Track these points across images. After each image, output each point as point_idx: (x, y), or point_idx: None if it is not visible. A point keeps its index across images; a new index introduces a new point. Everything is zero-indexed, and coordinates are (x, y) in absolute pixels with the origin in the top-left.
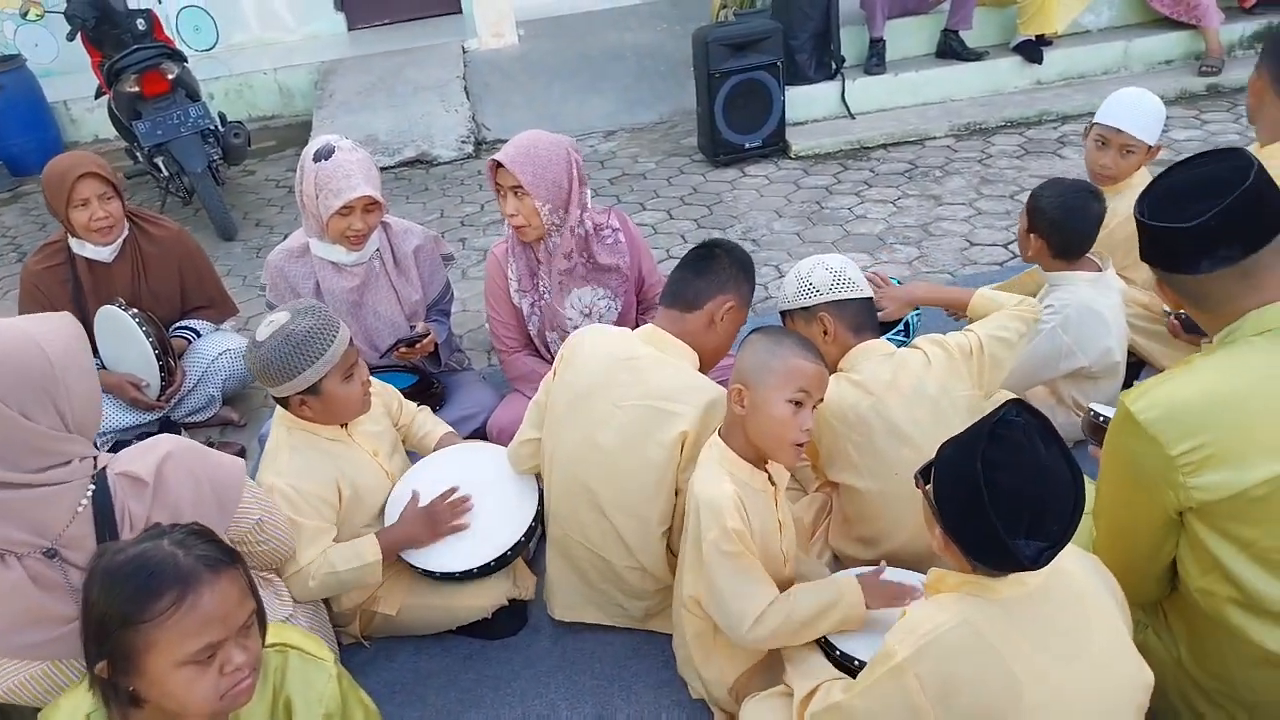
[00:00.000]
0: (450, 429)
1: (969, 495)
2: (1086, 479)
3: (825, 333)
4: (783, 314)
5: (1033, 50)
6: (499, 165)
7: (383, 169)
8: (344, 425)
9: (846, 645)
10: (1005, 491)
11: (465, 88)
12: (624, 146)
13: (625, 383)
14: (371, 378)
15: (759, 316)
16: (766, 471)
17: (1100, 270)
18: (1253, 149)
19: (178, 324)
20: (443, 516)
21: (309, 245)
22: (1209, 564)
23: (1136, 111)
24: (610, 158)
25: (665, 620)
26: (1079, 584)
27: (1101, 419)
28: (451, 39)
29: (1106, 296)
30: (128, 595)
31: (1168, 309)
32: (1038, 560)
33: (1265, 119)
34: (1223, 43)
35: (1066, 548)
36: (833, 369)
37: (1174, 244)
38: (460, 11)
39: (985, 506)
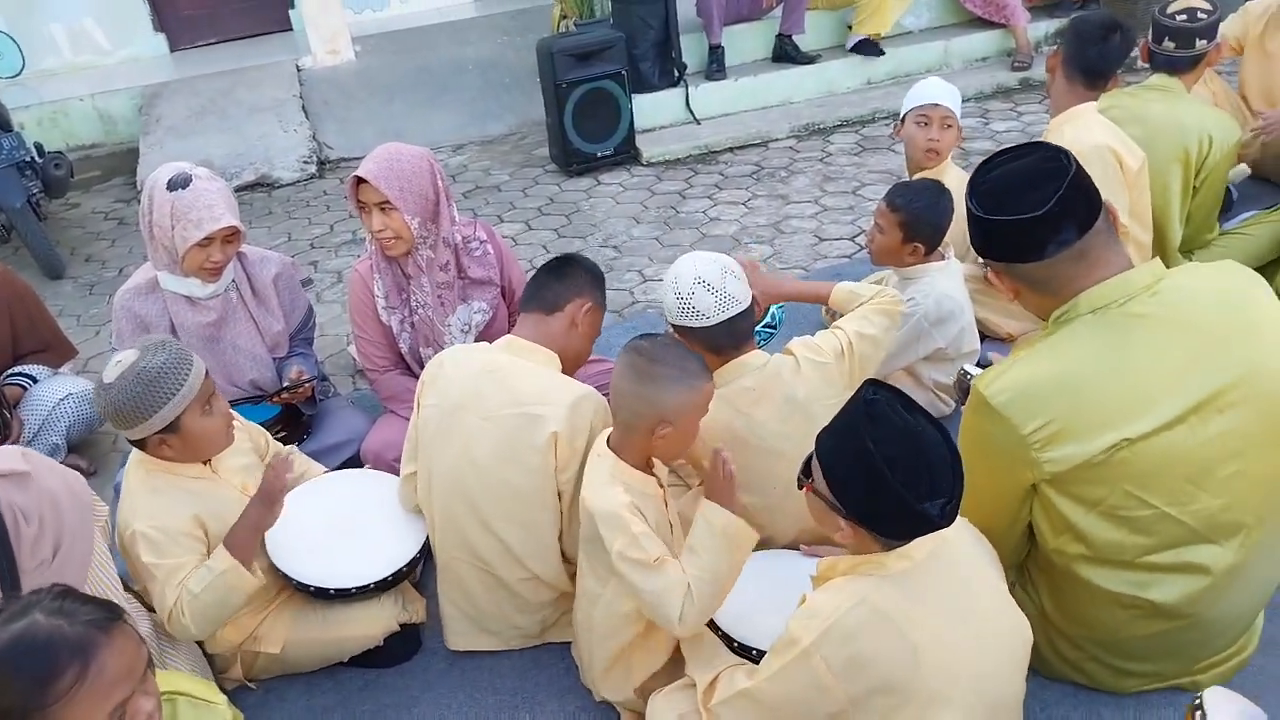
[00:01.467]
0: (324, 469)
1: (870, 476)
2: None
3: (710, 349)
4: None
5: (870, 49)
6: (360, 181)
7: None
8: (207, 462)
9: (744, 636)
10: (900, 463)
11: (303, 106)
12: (475, 159)
13: (490, 394)
14: (233, 411)
15: (626, 321)
16: (655, 476)
17: (944, 259)
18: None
19: (10, 371)
20: (272, 485)
21: (157, 279)
22: (1061, 526)
23: (944, 90)
24: (462, 171)
25: (562, 630)
26: (962, 552)
27: (970, 377)
28: (284, 57)
29: (955, 281)
30: (24, 684)
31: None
32: (944, 516)
33: (1055, 92)
34: (1030, 39)
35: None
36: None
37: (1019, 234)
38: (291, 29)
39: (890, 482)
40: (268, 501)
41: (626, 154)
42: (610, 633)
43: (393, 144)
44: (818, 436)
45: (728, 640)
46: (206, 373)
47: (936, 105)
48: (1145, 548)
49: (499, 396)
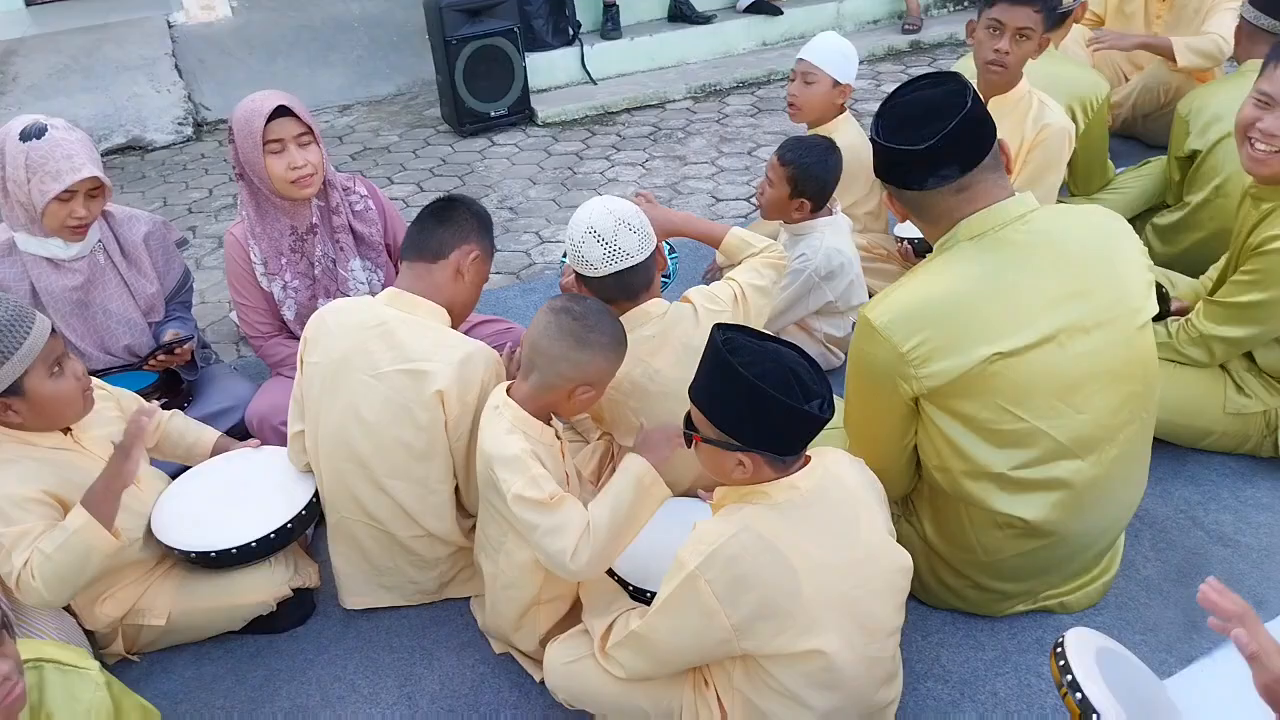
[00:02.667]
0: (222, 435)
1: (751, 398)
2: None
3: (603, 299)
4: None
5: (766, 7)
6: (275, 116)
7: None
8: (67, 431)
9: (641, 580)
10: (771, 377)
11: (176, 65)
12: (363, 120)
13: (376, 351)
14: (103, 381)
15: (524, 283)
16: (553, 426)
17: (832, 214)
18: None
19: None
20: (131, 434)
21: (14, 241)
22: (942, 443)
23: (815, 46)
24: (349, 132)
25: (461, 585)
26: (847, 485)
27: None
28: (154, 12)
29: (843, 236)
30: None
31: (900, 236)
32: (824, 412)
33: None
34: (920, 3)
35: (837, 454)
36: None
37: (906, 163)
38: None
39: (767, 392)
40: (124, 451)
41: (521, 114)
42: (513, 582)
43: (260, 91)
44: (689, 391)
45: (625, 585)
46: (53, 330)
47: (801, 60)
48: (1018, 461)
49: (385, 353)
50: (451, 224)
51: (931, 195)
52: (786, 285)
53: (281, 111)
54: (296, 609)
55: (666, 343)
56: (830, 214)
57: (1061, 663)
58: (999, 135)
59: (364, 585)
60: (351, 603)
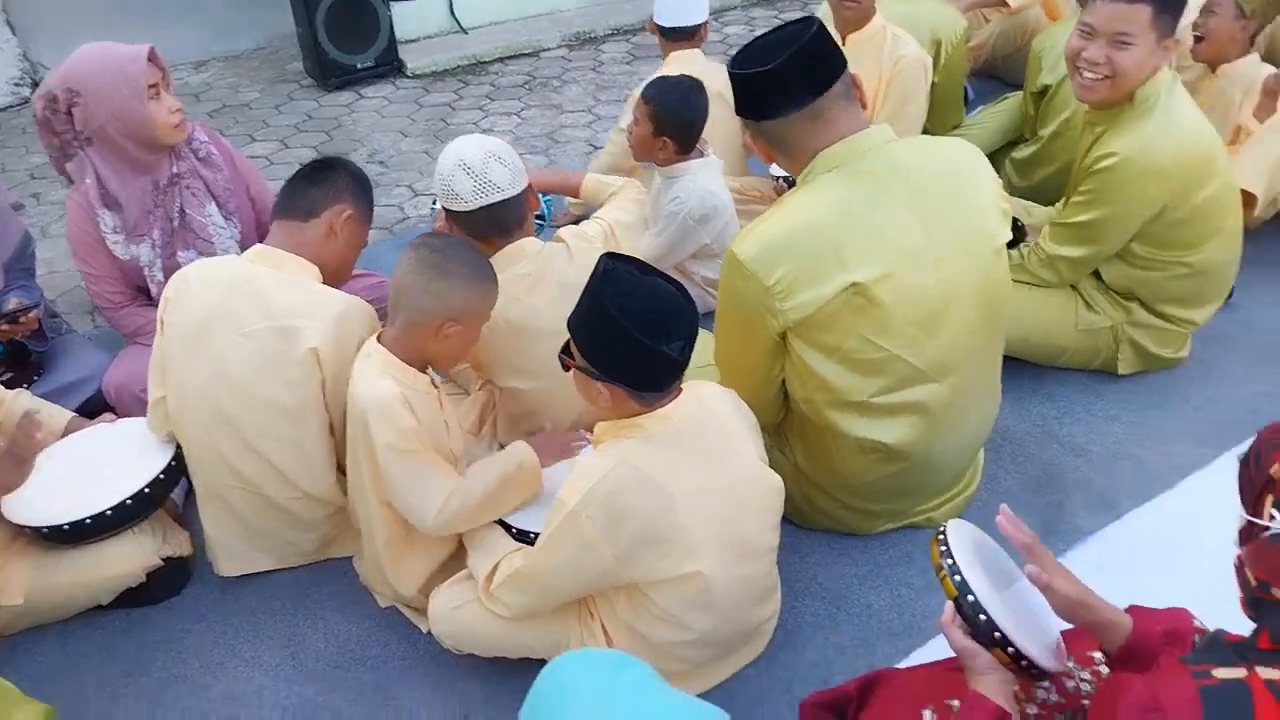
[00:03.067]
0: (74, 415)
1: (610, 329)
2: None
3: (475, 236)
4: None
5: None
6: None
7: None
8: None
9: (524, 523)
10: (635, 311)
11: (8, 21)
12: (221, 77)
13: (244, 308)
14: None
15: (397, 237)
16: (428, 375)
17: (704, 156)
18: None
19: None
20: (19, 443)
21: None
22: (807, 374)
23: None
24: (206, 90)
25: (344, 544)
26: (718, 414)
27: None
28: None
29: (716, 178)
30: None
31: (776, 174)
32: (683, 356)
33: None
34: None
35: (708, 385)
36: None
37: (762, 90)
38: None
39: (628, 330)
40: (17, 461)
41: (389, 66)
42: (381, 530)
43: (92, 45)
44: (569, 318)
45: (508, 529)
46: None
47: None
48: (878, 388)
49: (253, 311)
50: (325, 184)
51: (788, 124)
52: (662, 230)
53: (149, 56)
54: (169, 579)
55: (542, 280)
56: (701, 155)
57: (943, 548)
58: (857, 72)
59: (239, 550)
60: (227, 569)
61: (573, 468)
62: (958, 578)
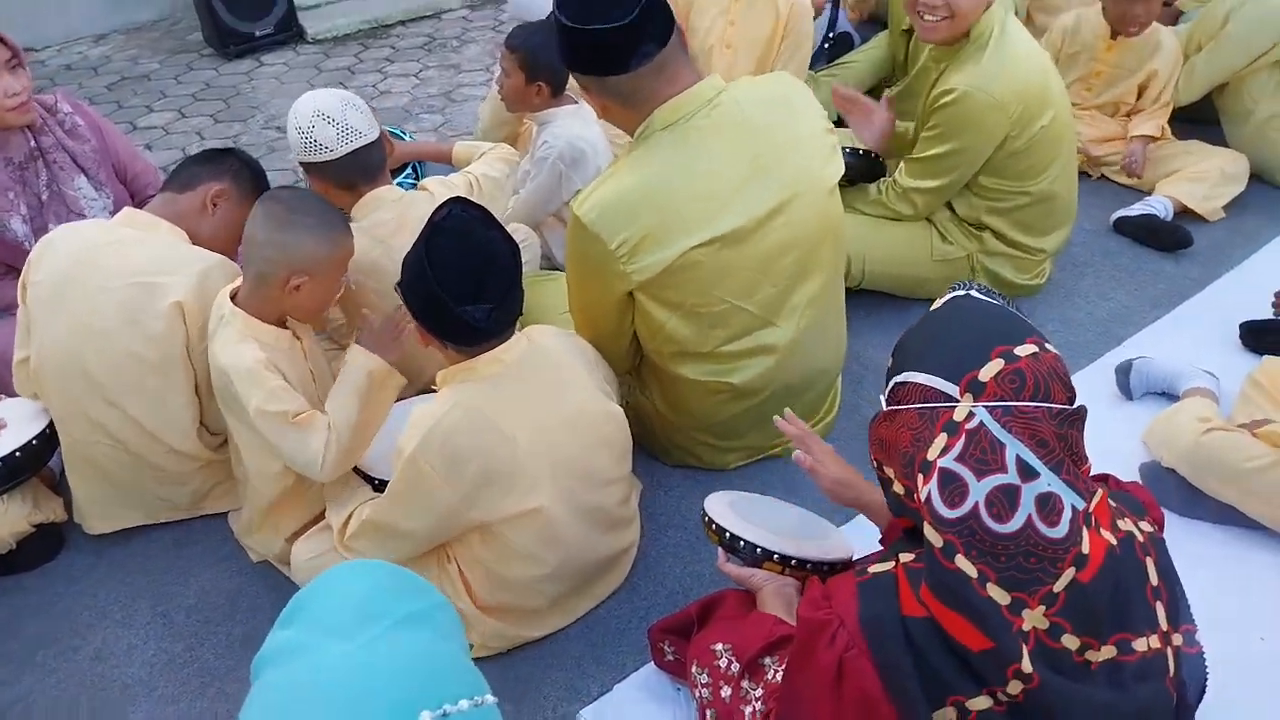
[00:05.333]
0: None
1: (420, 280)
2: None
3: (341, 185)
4: (302, 163)
5: None
6: None
7: None
8: None
9: (383, 473)
10: (446, 268)
11: None
12: (120, 49)
13: (108, 265)
14: None
15: None
16: (288, 329)
17: (576, 103)
18: None
19: None
20: None
21: None
22: (655, 328)
23: None
24: (105, 63)
25: (219, 499)
26: (553, 355)
27: None
28: None
29: (589, 126)
30: None
31: None
32: (489, 320)
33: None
34: None
35: (545, 328)
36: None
37: (607, 45)
38: None
39: (432, 284)
40: None
41: (290, 32)
42: (263, 489)
43: None
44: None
45: (369, 479)
46: None
47: None
48: (722, 338)
49: (116, 267)
50: (209, 163)
51: (635, 79)
52: (535, 175)
53: None
54: (41, 546)
55: (405, 224)
56: (574, 102)
57: (706, 518)
58: (757, 16)
59: (110, 506)
60: (97, 527)
61: (410, 410)
62: (715, 525)
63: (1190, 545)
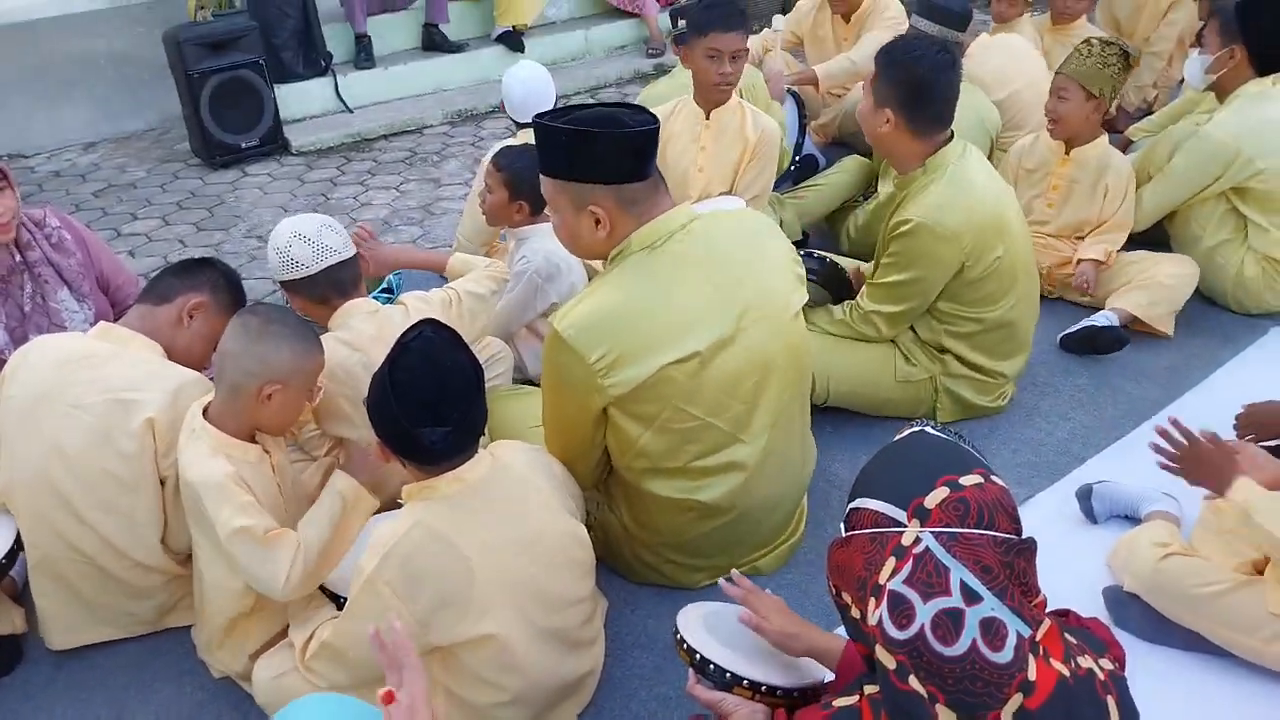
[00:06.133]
0: None
1: (381, 401)
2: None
3: (316, 301)
4: (281, 282)
5: (513, 40)
6: None
7: None
8: None
9: (346, 589)
10: (404, 389)
11: None
12: (109, 157)
13: (82, 381)
14: None
15: None
16: (258, 443)
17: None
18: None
19: None
20: None
21: None
22: (627, 443)
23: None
24: (93, 170)
25: (183, 614)
26: (516, 472)
27: None
28: None
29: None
30: None
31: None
32: (445, 443)
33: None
34: (661, 29)
35: (508, 445)
36: (323, 328)
37: (633, 150)
38: None
39: (392, 405)
40: None
41: (275, 144)
42: (223, 606)
43: None
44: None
45: (334, 598)
46: None
47: None
48: (694, 454)
49: (89, 384)
50: (186, 275)
51: (645, 188)
52: (511, 288)
53: None
54: (0, 658)
55: (382, 337)
56: (548, 219)
57: (677, 635)
58: (727, 142)
59: (75, 620)
60: (61, 641)
61: (373, 528)
62: (686, 644)
63: (1158, 673)
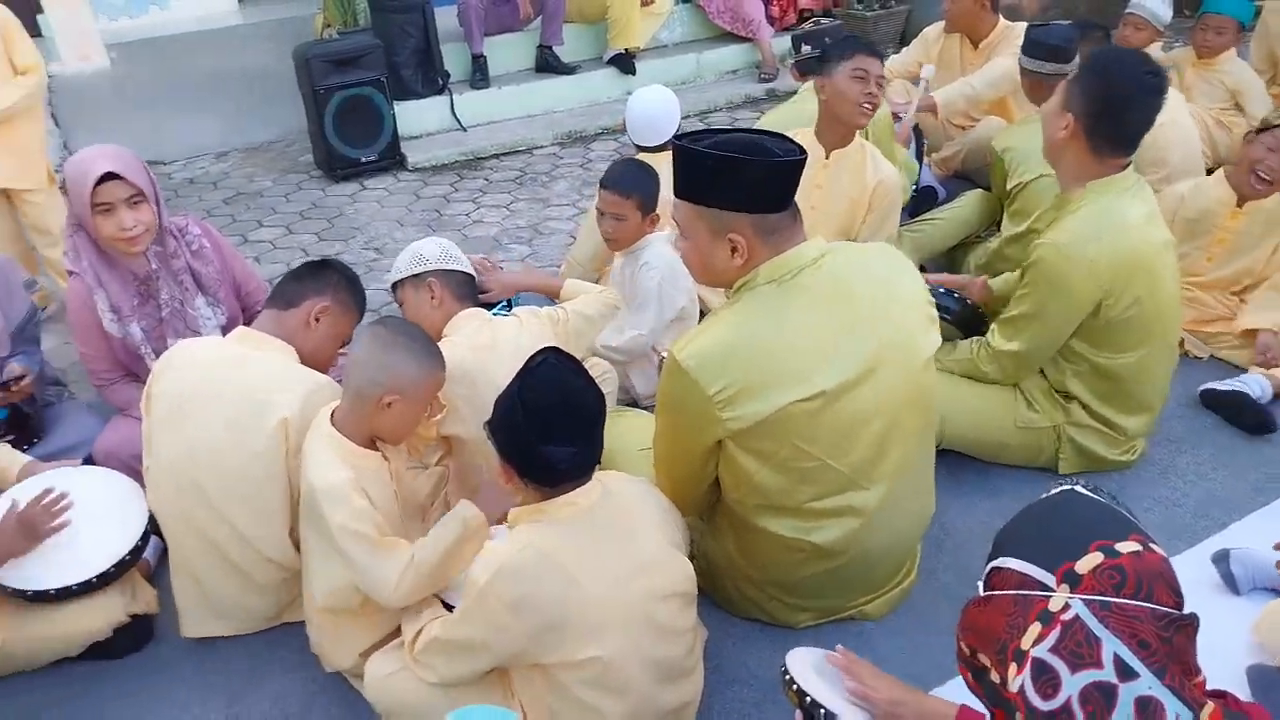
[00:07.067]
0: (31, 459)
1: (510, 418)
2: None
3: (433, 298)
4: (393, 286)
5: (625, 62)
6: (104, 180)
7: None
8: None
9: (453, 598)
10: (537, 409)
11: (53, 115)
12: (238, 166)
13: (221, 381)
14: None
15: None
16: (378, 450)
17: (668, 230)
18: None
19: None
20: (39, 519)
21: None
22: (741, 477)
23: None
24: (224, 178)
25: (298, 610)
26: (627, 502)
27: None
28: None
29: (669, 244)
30: None
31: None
32: (570, 463)
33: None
34: (775, 53)
35: (619, 476)
36: (438, 335)
37: (780, 179)
38: (40, 35)
39: (520, 422)
40: (27, 532)
41: (392, 160)
42: (333, 604)
43: (94, 146)
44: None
45: (447, 608)
46: None
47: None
48: (810, 495)
49: (229, 385)
50: (310, 279)
51: (784, 218)
52: (644, 304)
53: (110, 174)
54: (134, 635)
55: (498, 341)
56: (665, 229)
57: (787, 676)
58: (844, 185)
59: (201, 614)
60: (189, 631)
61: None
62: (796, 686)
63: None
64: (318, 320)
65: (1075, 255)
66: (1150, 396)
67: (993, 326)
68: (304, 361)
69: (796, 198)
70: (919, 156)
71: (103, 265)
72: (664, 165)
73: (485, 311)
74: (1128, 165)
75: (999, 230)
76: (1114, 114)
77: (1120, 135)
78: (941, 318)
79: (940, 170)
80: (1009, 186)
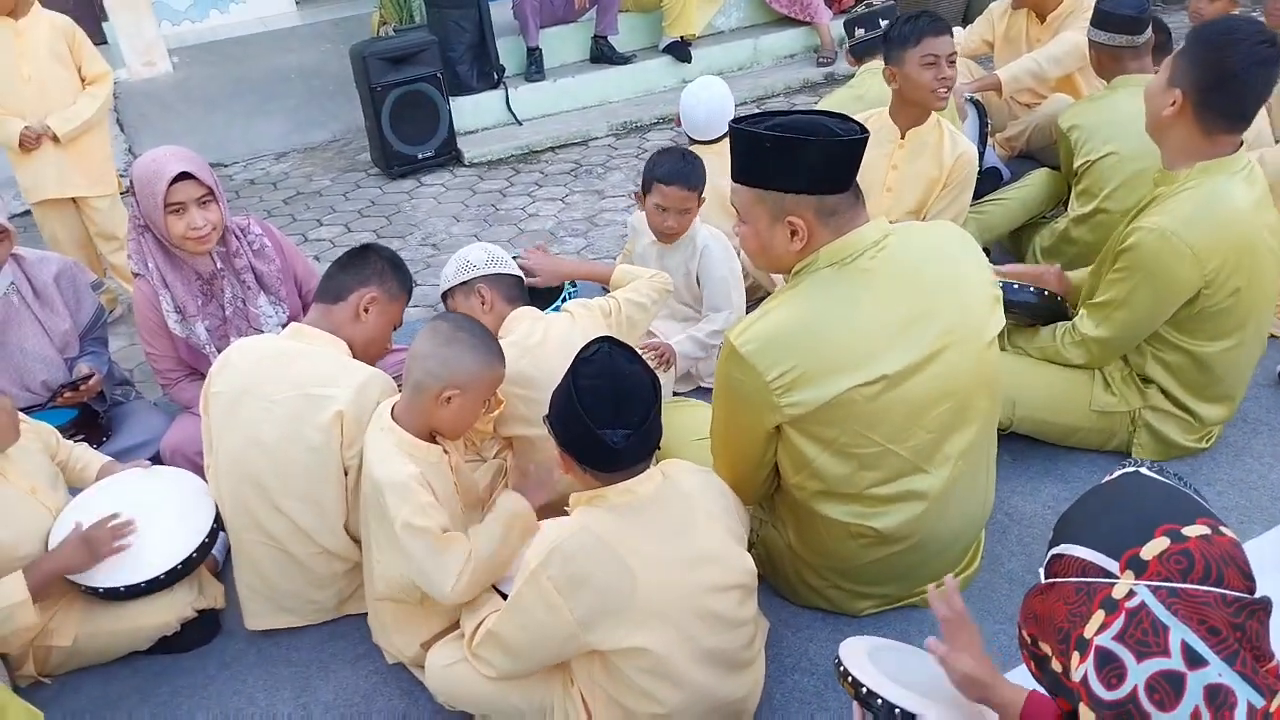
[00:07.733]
0: (109, 459)
1: (566, 404)
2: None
3: (483, 303)
4: (444, 295)
5: (681, 50)
6: (178, 180)
7: (26, 211)
8: None
9: (508, 586)
10: (589, 392)
11: (118, 120)
12: (298, 167)
13: (275, 377)
14: (26, 415)
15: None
16: (439, 444)
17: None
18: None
19: None
20: (102, 539)
21: None
22: (801, 463)
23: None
24: (284, 179)
25: (359, 602)
26: (685, 492)
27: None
28: None
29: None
30: None
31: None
32: (626, 445)
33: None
34: (834, 36)
35: (680, 464)
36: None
37: (841, 158)
38: (105, 41)
39: (576, 406)
40: (88, 552)
41: (448, 155)
42: (394, 594)
43: (162, 147)
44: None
45: (502, 594)
46: None
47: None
48: (872, 480)
49: (284, 380)
50: (353, 270)
51: (844, 199)
52: (721, 288)
53: (184, 174)
54: (201, 629)
55: (549, 339)
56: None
57: (841, 668)
58: (922, 165)
59: (264, 607)
60: (254, 624)
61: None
62: (850, 677)
63: None
64: (367, 311)
65: (1177, 241)
66: (1234, 386)
67: (1081, 311)
68: (358, 352)
69: (871, 181)
70: (982, 138)
71: (168, 266)
72: (712, 158)
73: (537, 310)
74: (1240, 144)
75: (1065, 210)
76: (1227, 88)
77: (1234, 110)
78: (1023, 314)
79: (1005, 150)
80: (1075, 165)
